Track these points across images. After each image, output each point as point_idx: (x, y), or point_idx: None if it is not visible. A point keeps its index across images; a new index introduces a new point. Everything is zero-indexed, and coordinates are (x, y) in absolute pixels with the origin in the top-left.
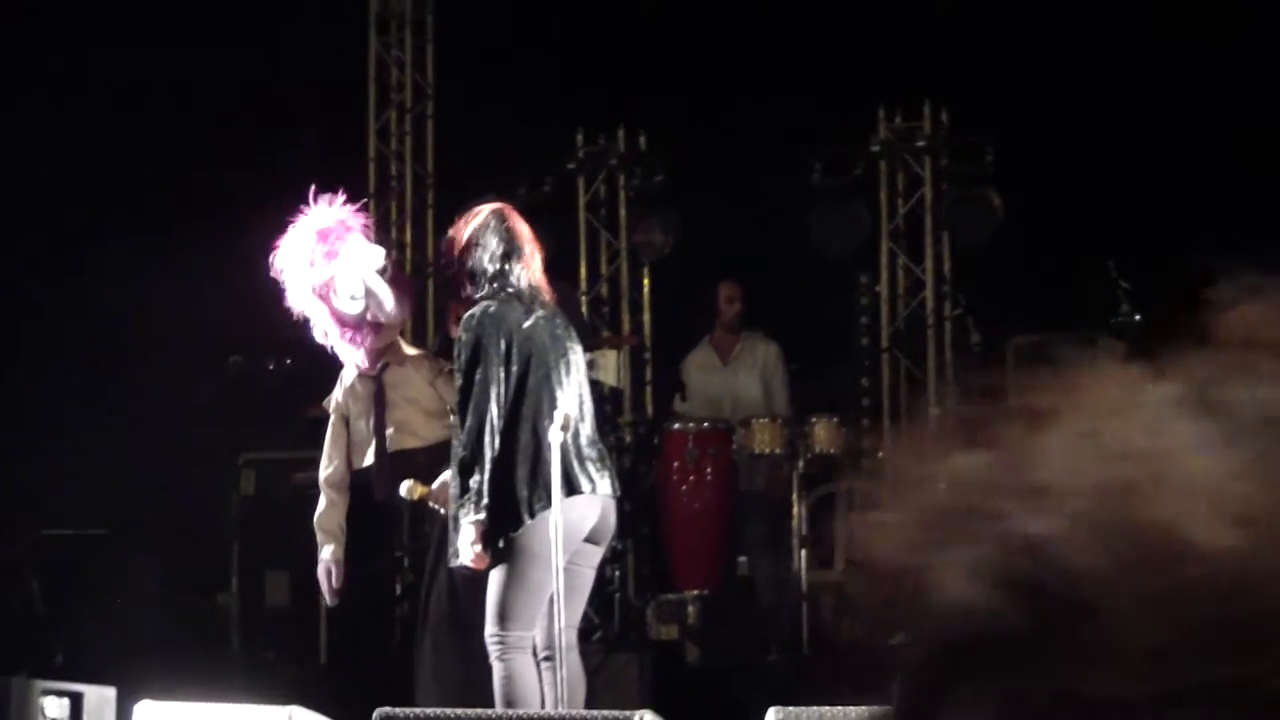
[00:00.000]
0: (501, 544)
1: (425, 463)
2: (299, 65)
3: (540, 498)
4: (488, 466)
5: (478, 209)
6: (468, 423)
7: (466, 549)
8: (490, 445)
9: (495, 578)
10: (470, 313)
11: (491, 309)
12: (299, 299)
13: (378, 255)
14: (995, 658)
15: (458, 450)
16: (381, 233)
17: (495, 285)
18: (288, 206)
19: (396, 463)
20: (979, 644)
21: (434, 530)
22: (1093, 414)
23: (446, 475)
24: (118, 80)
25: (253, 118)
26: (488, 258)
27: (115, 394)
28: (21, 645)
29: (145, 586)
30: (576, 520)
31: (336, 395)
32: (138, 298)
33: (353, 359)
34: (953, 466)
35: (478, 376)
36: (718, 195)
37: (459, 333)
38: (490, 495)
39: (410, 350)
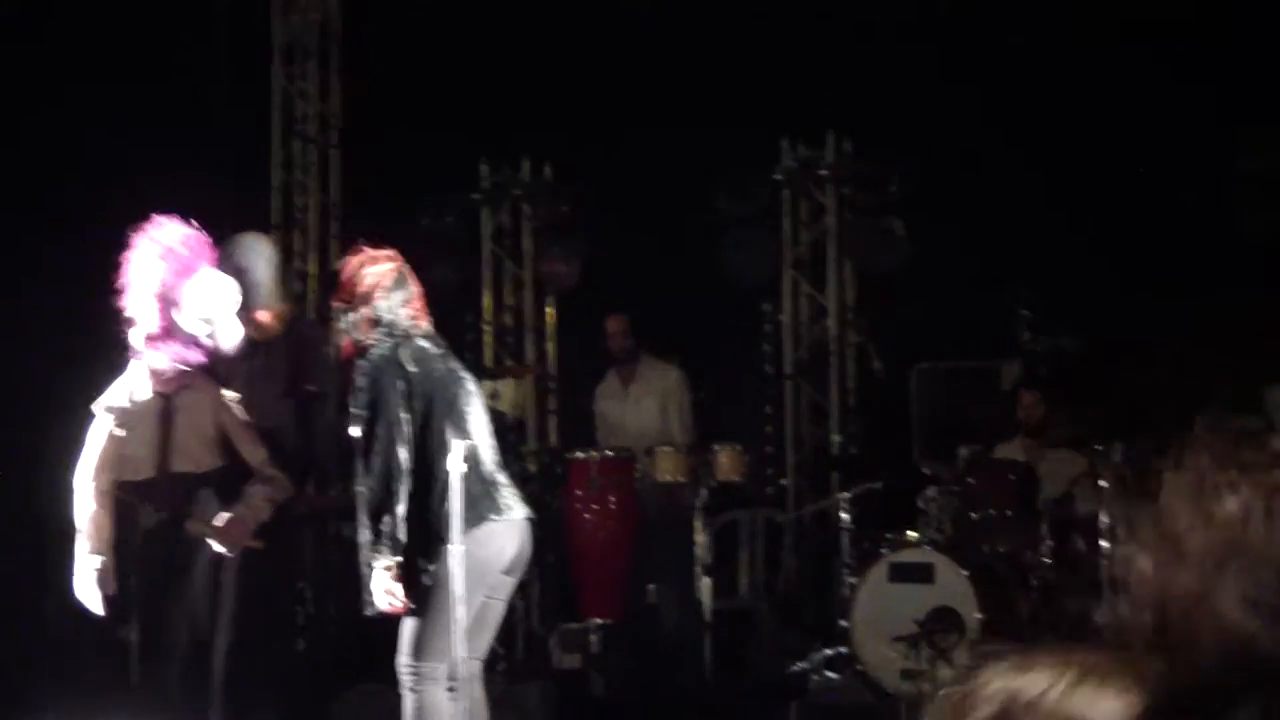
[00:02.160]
0: (415, 578)
1: (198, 489)
2: (205, 92)
3: (449, 531)
4: (399, 508)
5: (368, 255)
6: (374, 466)
7: (381, 594)
8: (399, 486)
9: (410, 611)
10: (372, 353)
11: (388, 351)
12: (139, 299)
13: (233, 289)
14: (1266, 683)
15: (365, 495)
16: (286, 263)
17: (391, 330)
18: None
19: (175, 484)
20: (1251, 670)
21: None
22: None
23: (226, 514)
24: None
25: (157, 145)
26: (387, 306)
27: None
28: None
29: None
30: (494, 552)
31: (112, 400)
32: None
33: (158, 366)
34: (1224, 502)
35: (380, 419)
36: (623, 225)
37: (358, 374)
38: (404, 535)
39: (203, 378)
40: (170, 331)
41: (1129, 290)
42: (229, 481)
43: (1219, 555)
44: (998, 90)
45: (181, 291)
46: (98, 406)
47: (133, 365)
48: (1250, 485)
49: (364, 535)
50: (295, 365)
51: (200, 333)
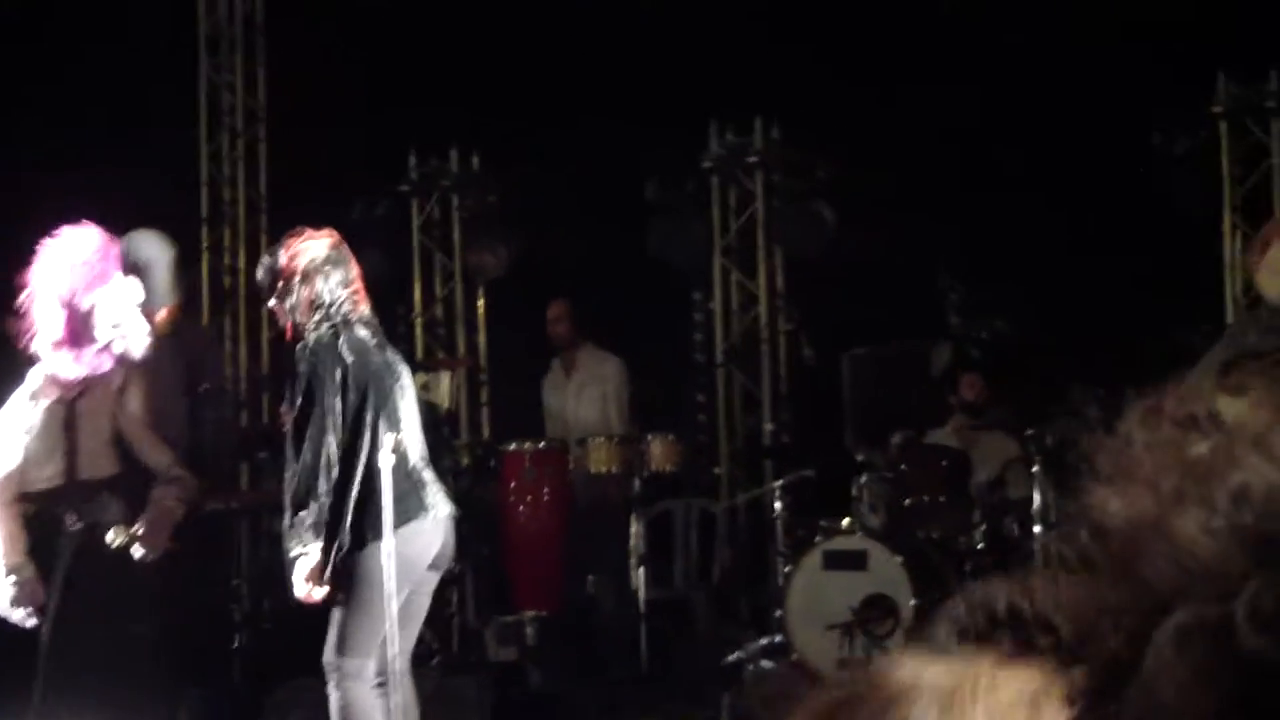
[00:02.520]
0: (340, 573)
1: (105, 495)
2: (130, 86)
3: (376, 525)
4: (323, 498)
5: (307, 236)
6: (303, 455)
7: (301, 583)
8: (326, 476)
9: (334, 606)
10: (304, 343)
11: (325, 339)
12: (45, 307)
13: (137, 290)
14: (1210, 605)
15: (291, 482)
16: (215, 257)
17: (331, 314)
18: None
19: (84, 491)
20: (1197, 593)
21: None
22: None
23: (143, 520)
24: None
25: (86, 142)
26: (327, 288)
27: None
28: None
29: None
30: (420, 549)
31: (12, 410)
32: None
33: (62, 371)
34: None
35: (315, 407)
36: (552, 214)
37: (298, 356)
38: (328, 526)
39: (99, 382)
40: (78, 339)
41: (1056, 273)
42: (135, 486)
43: (1181, 485)
44: (921, 73)
45: (91, 299)
46: None
47: (32, 373)
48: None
49: (286, 521)
50: (187, 363)
51: (108, 338)
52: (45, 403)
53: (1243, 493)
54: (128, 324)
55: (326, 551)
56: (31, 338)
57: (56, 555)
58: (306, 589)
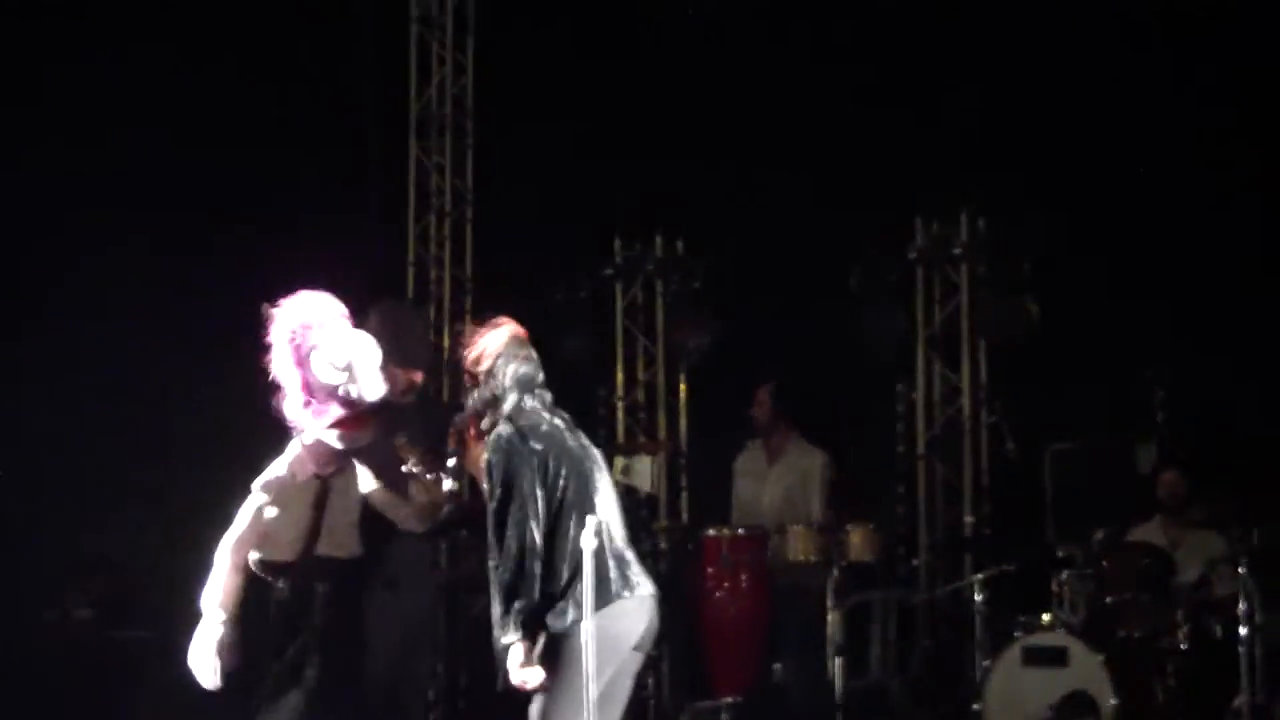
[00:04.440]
0: (546, 656)
1: (337, 572)
2: (339, 168)
3: (580, 607)
4: (532, 585)
5: (486, 329)
6: (507, 544)
7: (516, 670)
8: (532, 563)
9: (540, 688)
10: (498, 432)
11: (520, 425)
12: (282, 367)
13: (368, 342)
14: None
15: (499, 573)
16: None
17: (521, 399)
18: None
19: (315, 567)
20: None
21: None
22: None
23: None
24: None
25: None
26: (512, 377)
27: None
28: None
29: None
30: (625, 629)
31: (269, 479)
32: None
33: (312, 432)
34: None
35: (513, 496)
36: (756, 300)
37: (487, 454)
38: (536, 611)
39: (356, 464)
40: (310, 389)
41: (1267, 371)
42: (362, 570)
43: None
44: (1129, 168)
45: (313, 342)
46: (255, 484)
47: (292, 445)
48: None
49: (497, 612)
50: (424, 434)
51: (335, 382)
52: (301, 476)
53: None
54: (358, 369)
55: (535, 637)
56: (282, 404)
57: (274, 620)
58: (521, 676)
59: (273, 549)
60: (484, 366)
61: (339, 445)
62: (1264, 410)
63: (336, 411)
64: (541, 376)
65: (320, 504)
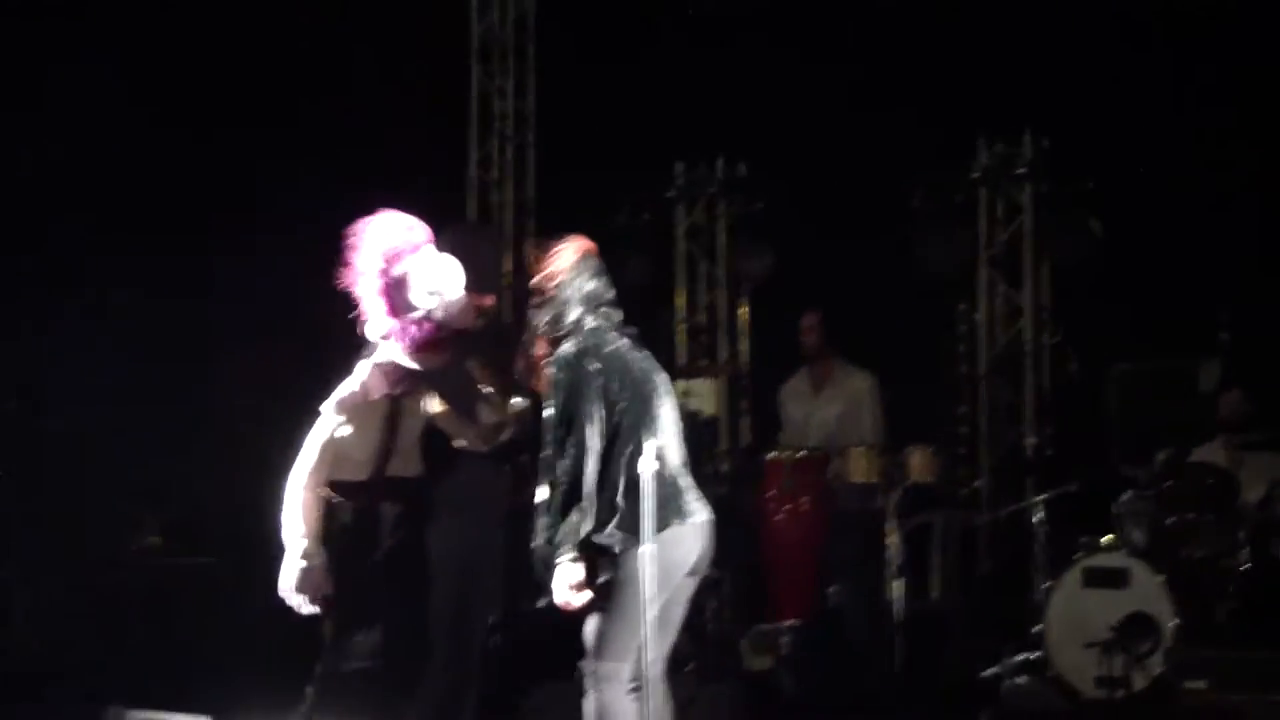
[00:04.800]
0: (602, 578)
1: (406, 493)
2: (403, 95)
3: (637, 531)
4: (586, 506)
5: (562, 245)
6: (564, 464)
7: (563, 589)
8: (589, 485)
9: (593, 611)
10: (561, 351)
11: (586, 344)
12: (365, 288)
13: (456, 267)
14: None
15: (555, 492)
16: None
17: (587, 320)
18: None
19: (387, 487)
20: None
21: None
22: None
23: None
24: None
25: (358, 147)
26: (579, 295)
27: (226, 414)
28: (117, 673)
29: (245, 614)
30: (681, 555)
31: (339, 401)
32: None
33: (388, 353)
34: None
35: (574, 415)
36: (817, 222)
37: (552, 369)
38: (591, 533)
39: (426, 389)
40: (397, 309)
41: None
42: (426, 490)
43: None
44: (1187, 85)
45: (404, 267)
46: (325, 406)
47: (360, 365)
48: None
49: (546, 532)
50: (493, 358)
51: (427, 306)
52: (373, 395)
53: None
54: (447, 291)
55: (589, 559)
56: (362, 323)
57: (342, 543)
58: (567, 596)
59: (346, 469)
60: (554, 283)
61: (416, 367)
62: None
63: (418, 334)
64: (611, 294)
65: (393, 424)
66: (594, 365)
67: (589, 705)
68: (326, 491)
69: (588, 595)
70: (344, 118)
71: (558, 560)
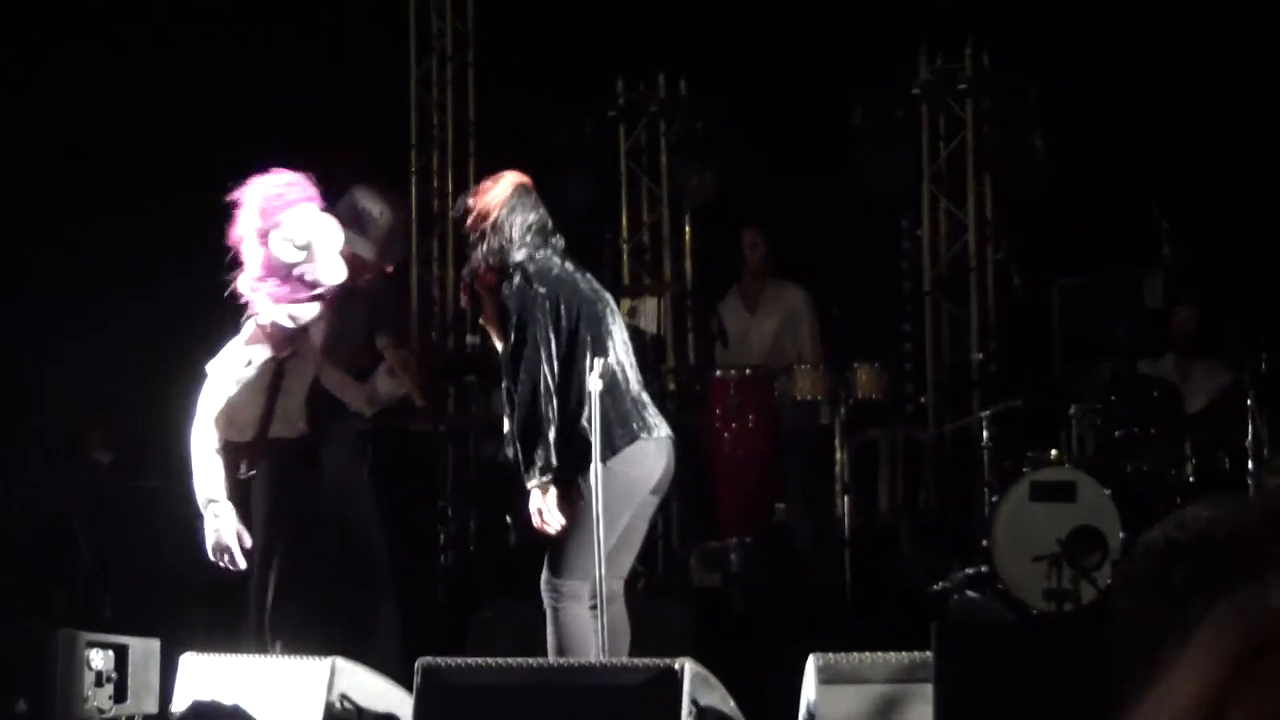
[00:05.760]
0: (562, 499)
1: (289, 452)
2: (338, 13)
3: (595, 449)
4: (549, 428)
5: (492, 181)
6: (521, 388)
7: (536, 514)
8: (548, 407)
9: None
10: (511, 277)
11: (532, 269)
12: (242, 238)
13: (330, 224)
14: None
15: (513, 416)
16: (424, 181)
17: (531, 248)
18: (333, 155)
19: (268, 449)
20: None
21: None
22: None
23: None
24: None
25: (297, 69)
26: (520, 226)
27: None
28: (69, 598)
29: (193, 540)
30: (646, 471)
31: (229, 362)
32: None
33: (268, 314)
34: None
35: (527, 339)
36: (759, 140)
37: (504, 297)
38: (554, 453)
39: (315, 347)
40: (271, 268)
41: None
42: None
43: None
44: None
45: (276, 222)
46: (210, 367)
47: (247, 325)
48: None
49: (514, 454)
50: (370, 319)
51: (293, 260)
52: (256, 357)
53: None
54: (319, 250)
55: (557, 481)
56: (240, 279)
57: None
58: (541, 520)
59: (231, 431)
60: (491, 219)
61: (292, 325)
62: (1270, 237)
63: (291, 292)
64: (551, 223)
65: (275, 386)
66: (542, 290)
67: (551, 621)
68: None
69: (561, 518)
70: (282, 43)
71: (530, 486)
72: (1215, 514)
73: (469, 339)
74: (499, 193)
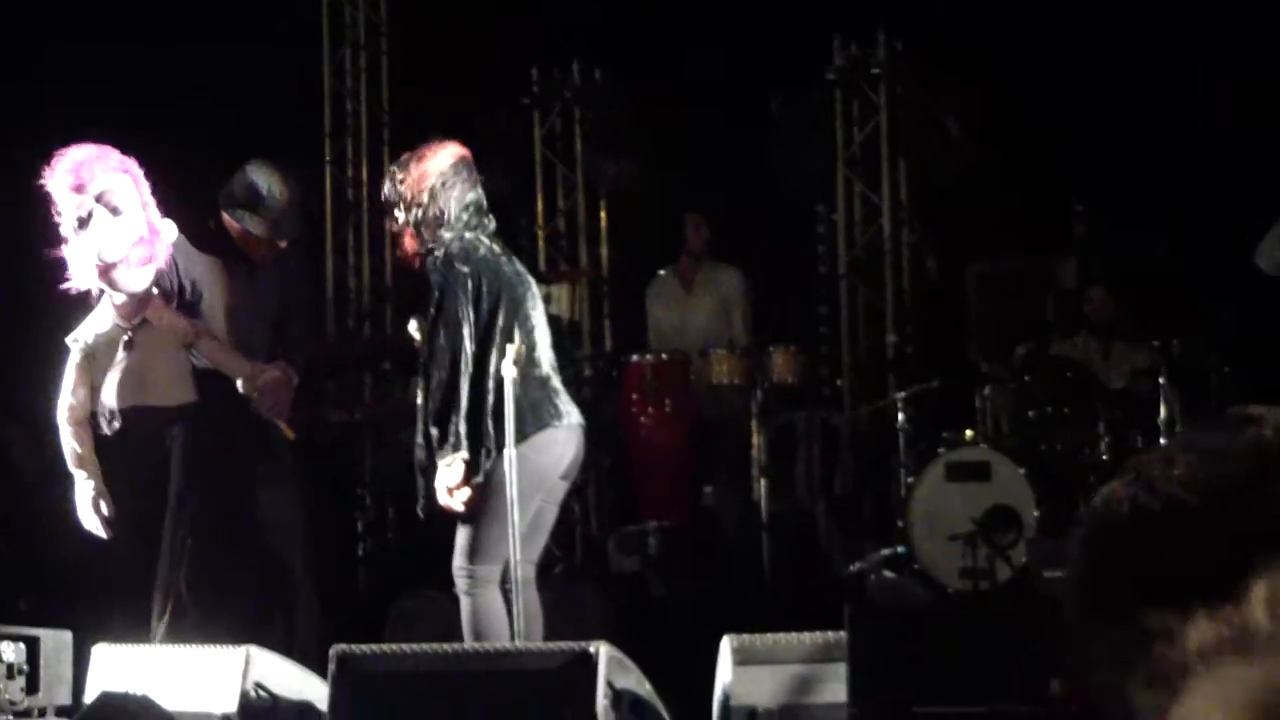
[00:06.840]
0: (475, 480)
1: (169, 423)
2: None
3: (507, 434)
4: (463, 406)
5: (434, 149)
6: (438, 365)
7: (445, 491)
8: (463, 387)
9: (466, 514)
10: (434, 257)
11: (456, 248)
12: (59, 208)
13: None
14: None
15: (431, 392)
16: (338, 170)
17: (457, 228)
18: (247, 146)
19: (131, 417)
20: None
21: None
22: None
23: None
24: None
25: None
26: (459, 202)
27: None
28: None
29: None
30: (555, 458)
31: (85, 333)
32: None
33: (85, 283)
34: None
35: (446, 317)
36: (675, 127)
37: (428, 271)
38: (468, 436)
39: (168, 314)
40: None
41: (1185, 185)
42: (199, 417)
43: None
44: None
45: (90, 192)
46: (69, 339)
47: (103, 298)
48: None
49: (429, 432)
50: (281, 296)
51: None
52: (107, 326)
53: None
54: (125, 223)
55: (466, 461)
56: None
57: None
58: (449, 498)
59: (92, 400)
60: (427, 185)
61: (116, 295)
62: (1180, 221)
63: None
64: (485, 203)
65: (128, 354)
66: (464, 269)
67: (465, 606)
68: (90, 422)
69: (468, 495)
70: (196, 35)
71: (442, 462)
72: (1191, 466)
73: (412, 324)
74: (440, 161)
